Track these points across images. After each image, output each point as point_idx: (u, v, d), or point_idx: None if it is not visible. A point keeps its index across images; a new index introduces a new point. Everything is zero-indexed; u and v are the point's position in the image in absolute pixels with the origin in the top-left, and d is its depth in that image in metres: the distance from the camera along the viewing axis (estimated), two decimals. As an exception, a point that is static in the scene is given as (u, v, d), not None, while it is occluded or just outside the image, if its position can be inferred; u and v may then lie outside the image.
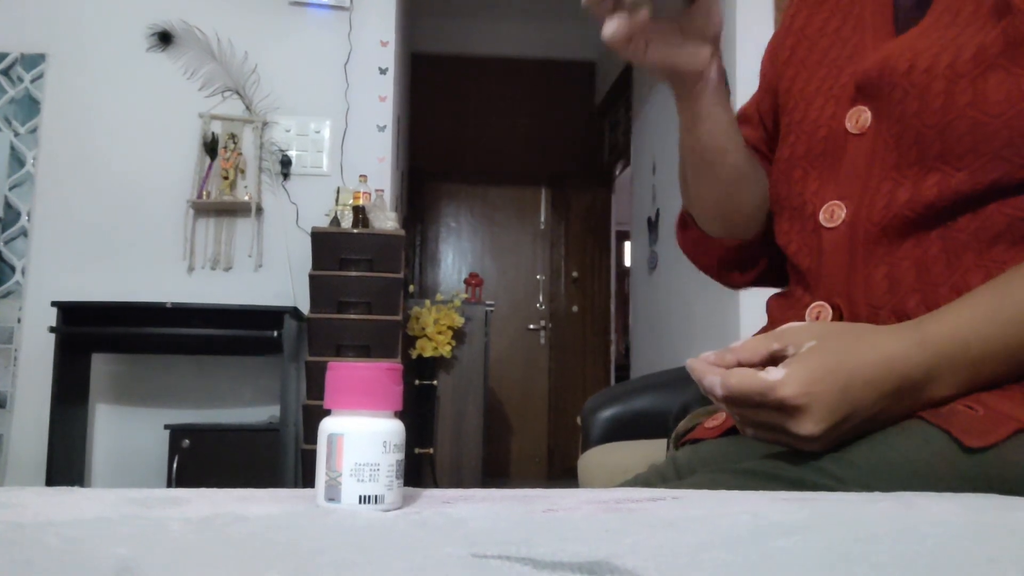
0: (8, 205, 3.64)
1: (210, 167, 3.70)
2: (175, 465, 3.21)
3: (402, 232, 3.48)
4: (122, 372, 3.65)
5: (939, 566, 0.36)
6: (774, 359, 0.61)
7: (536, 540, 0.39)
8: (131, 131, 3.73)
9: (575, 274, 6.00)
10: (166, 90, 3.75)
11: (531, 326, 5.97)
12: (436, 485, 4.25)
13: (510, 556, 0.35)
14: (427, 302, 4.29)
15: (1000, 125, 0.63)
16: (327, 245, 3.37)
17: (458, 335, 4.32)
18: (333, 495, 0.47)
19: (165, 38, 3.78)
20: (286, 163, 3.76)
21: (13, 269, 3.61)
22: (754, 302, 3.09)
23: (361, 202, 3.45)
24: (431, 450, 4.35)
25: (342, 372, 0.48)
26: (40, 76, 3.70)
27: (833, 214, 0.71)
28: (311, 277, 3.35)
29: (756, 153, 0.87)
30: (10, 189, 3.64)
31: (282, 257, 3.73)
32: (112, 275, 3.62)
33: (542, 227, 6.11)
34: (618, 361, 6.12)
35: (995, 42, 0.63)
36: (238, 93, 3.78)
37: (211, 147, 3.70)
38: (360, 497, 0.47)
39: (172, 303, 3.29)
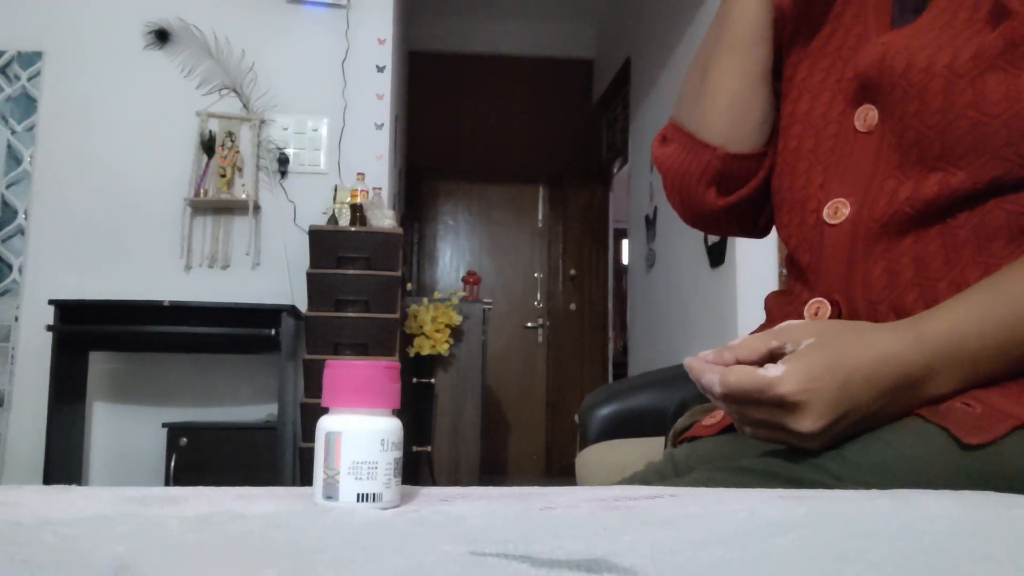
0: (5, 203, 3.63)
1: (207, 165, 3.69)
2: (173, 463, 3.20)
3: (400, 230, 3.48)
4: (119, 370, 3.65)
5: (937, 563, 0.36)
6: (773, 357, 0.61)
7: (534, 538, 0.39)
8: (128, 129, 3.72)
9: (573, 272, 6.00)
10: (163, 88, 3.75)
11: (529, 324, 5.97)
12: (434, 483, 4.26)
13: (508, 554, 0.35)
14: (425, 300, 4.29)
15: (999, 125, 0.63)
16: (325, 243, 3.37)
17: (456, 333, 4.32)
18: (331, 493, 0.47)
19: (162, 36, 3.77)
20: (283, 161, 3.75)
21: (10, 267, 3.60)
22: (752, 300, 3.09)
23: (359, 200, 3.45)
24: (429, 448, 4.35)
25: (340, 370, 0.48)
26: (37, 74, 3.70)
27: (837, 211, 0.71)
28: (309, 275, 3.35)
29: None
30: (7, 187, 3.64)
31: (280, 255, 3.72)
32: (109, 273, 3.62)
33: (540, 225, 6.11)
34: (616, 359, 6.12)
35: (994, 43, 0.64)
36: (235, 91, 3.78)
37: (208, 145, 3.70)
38: (358, 495, 0.47)
39: (170, 301, 3.28)
